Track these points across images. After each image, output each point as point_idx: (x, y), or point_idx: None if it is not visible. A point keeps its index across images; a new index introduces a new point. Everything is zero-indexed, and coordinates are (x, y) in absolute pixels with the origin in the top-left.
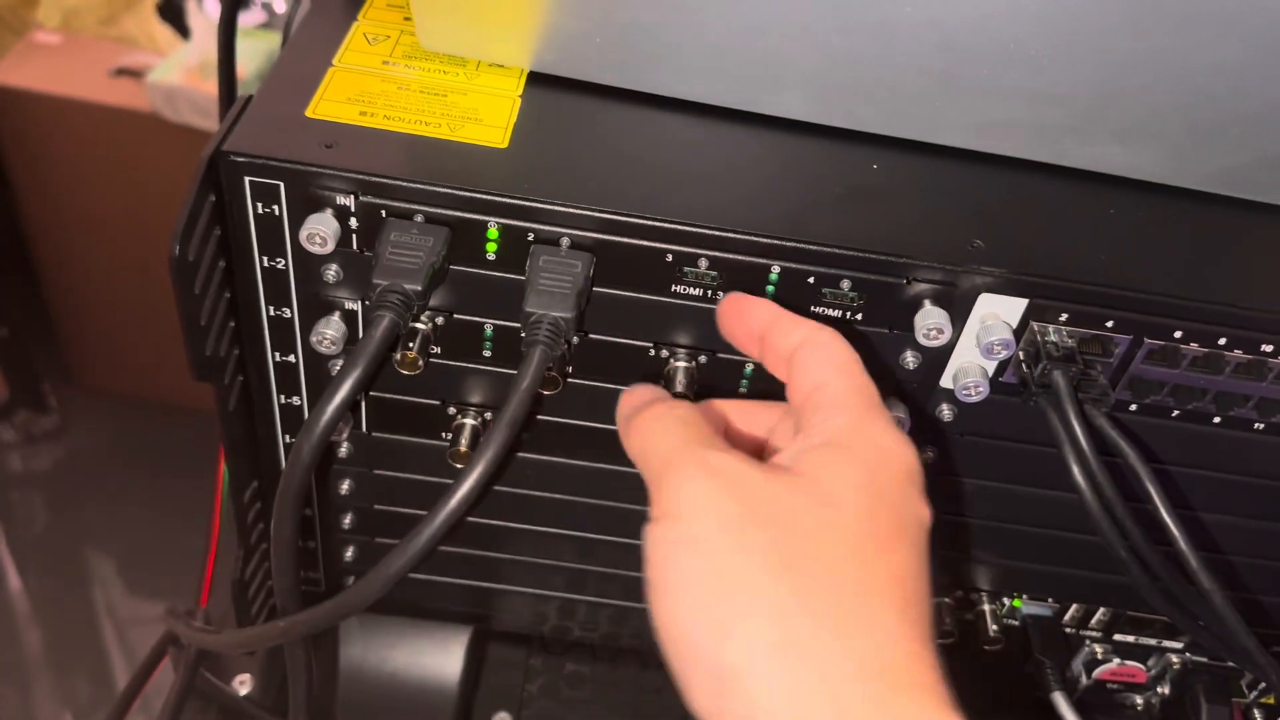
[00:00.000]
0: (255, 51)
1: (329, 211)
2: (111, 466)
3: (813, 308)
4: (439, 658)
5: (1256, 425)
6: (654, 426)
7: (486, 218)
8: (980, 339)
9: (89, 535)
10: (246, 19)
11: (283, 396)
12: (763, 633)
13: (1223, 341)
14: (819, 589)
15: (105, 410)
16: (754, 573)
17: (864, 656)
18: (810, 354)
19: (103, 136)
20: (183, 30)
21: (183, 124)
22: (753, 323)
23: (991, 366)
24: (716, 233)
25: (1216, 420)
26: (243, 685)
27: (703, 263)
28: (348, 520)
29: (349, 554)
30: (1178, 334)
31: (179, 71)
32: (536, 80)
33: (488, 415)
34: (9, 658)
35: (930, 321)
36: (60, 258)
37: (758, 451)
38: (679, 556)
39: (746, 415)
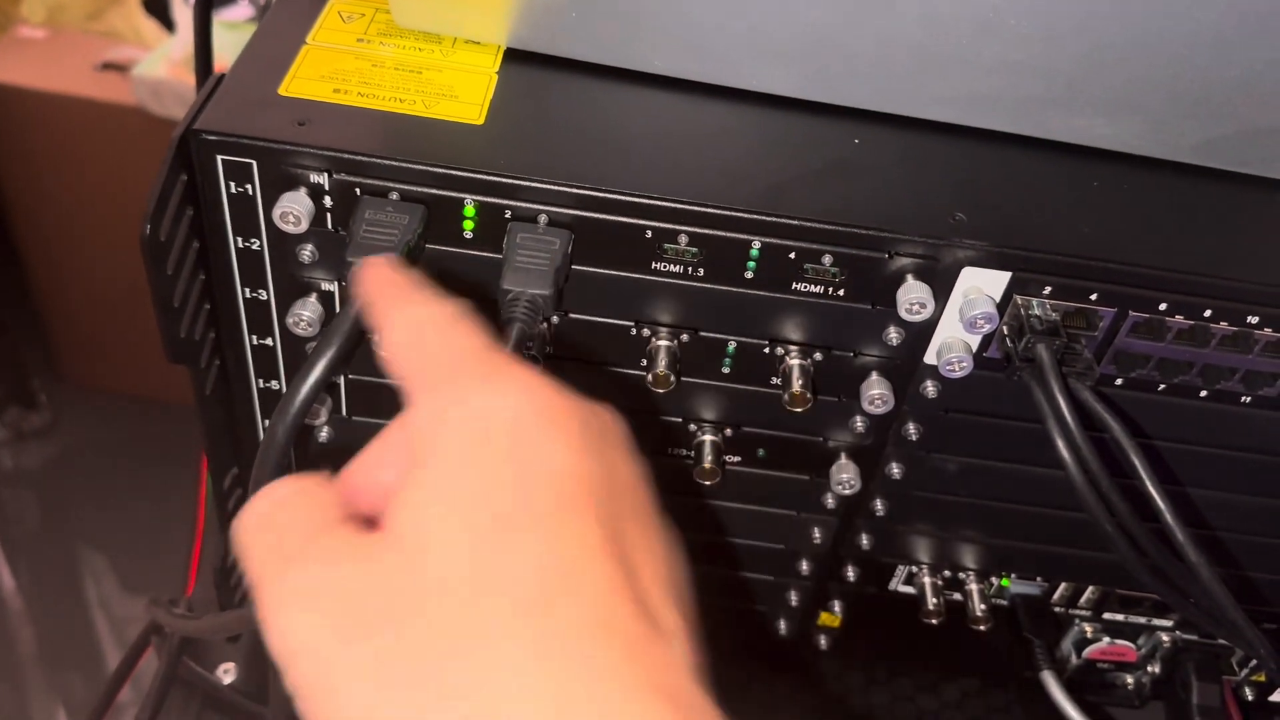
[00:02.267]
0: (241, 45)
1: (303, 190)
2: (102, 462)
3: (794, 283)
4: None
5: (1243, 398)
6: (242, 544)
7: (463, 195)
8: (963, 313)
9: (81, 531)
10: (234, 13)
11: (260, 380)
12: None
13: (1208, 313)
14: (437, 681)
15: (95, 406)
16: (369, 699)
17: None
18: (387, 338)
19: (88, 131)
20: (168, 24)
21: (168, 117)
22: (360, 293)
23: (975, 341)
24: (696, 208)
25: (1203, 394)
26: (226, 674)
27: (683, 239)
28: None
29: None
30: (1162, 306)
31: (164, 65)
32: (513, 57)
33: None
34: (1, 654)
35: (913, 296)
36: (47, 253)
37: None
38: (310, 712)
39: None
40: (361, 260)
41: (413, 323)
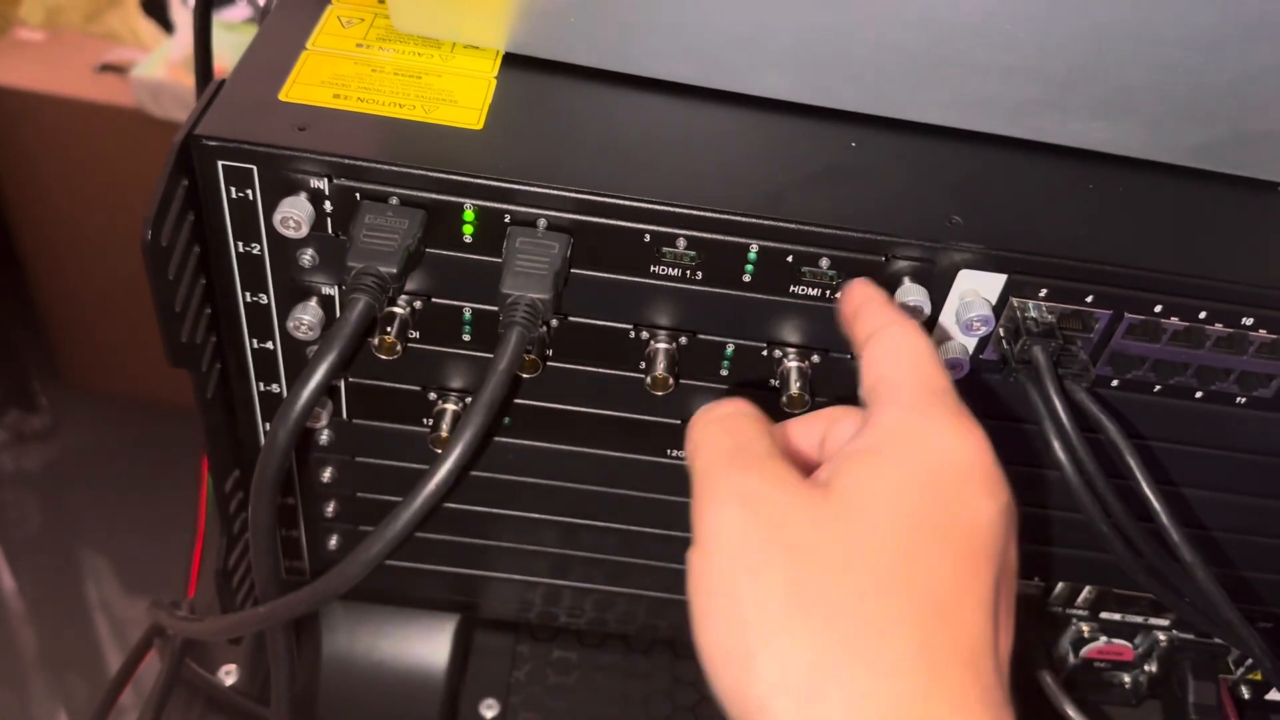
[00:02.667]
0: (240, 46)
1: (303, 195)
2: (103, 465)
3: (792, 287)
4: (425, 646)
5: (1238, 399)
6: (701, 433)
7: (462, 199)
8: (960, 315)
9: (82, 534)
10: (233, 14)
11: (261, 384)
12: (778, 671)
13: (1203, 315)
14: (836, 621)
15: (96, 409)
16: (772, 605)
17: (879, 698)
18: (876, 345)
19: (88, 133)
20: (166, 25)
21: (167, 119)
22: (846, 304)
23: (971, 343)
24: (694, 212)
25: (1198, 395)
26: (228, 675)
27: (681, 242)
28: (331, 509)
29: (333, 543)
30: (1158, 308)
31: (163, 67)
32: (512, 61)
33: (469, 400)
34: (3, 657)
35: (909, 299)
36: (47, 256)
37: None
38: (707, 587)
39: (843, 423)
40: (851, 281)
41: (902, 341)
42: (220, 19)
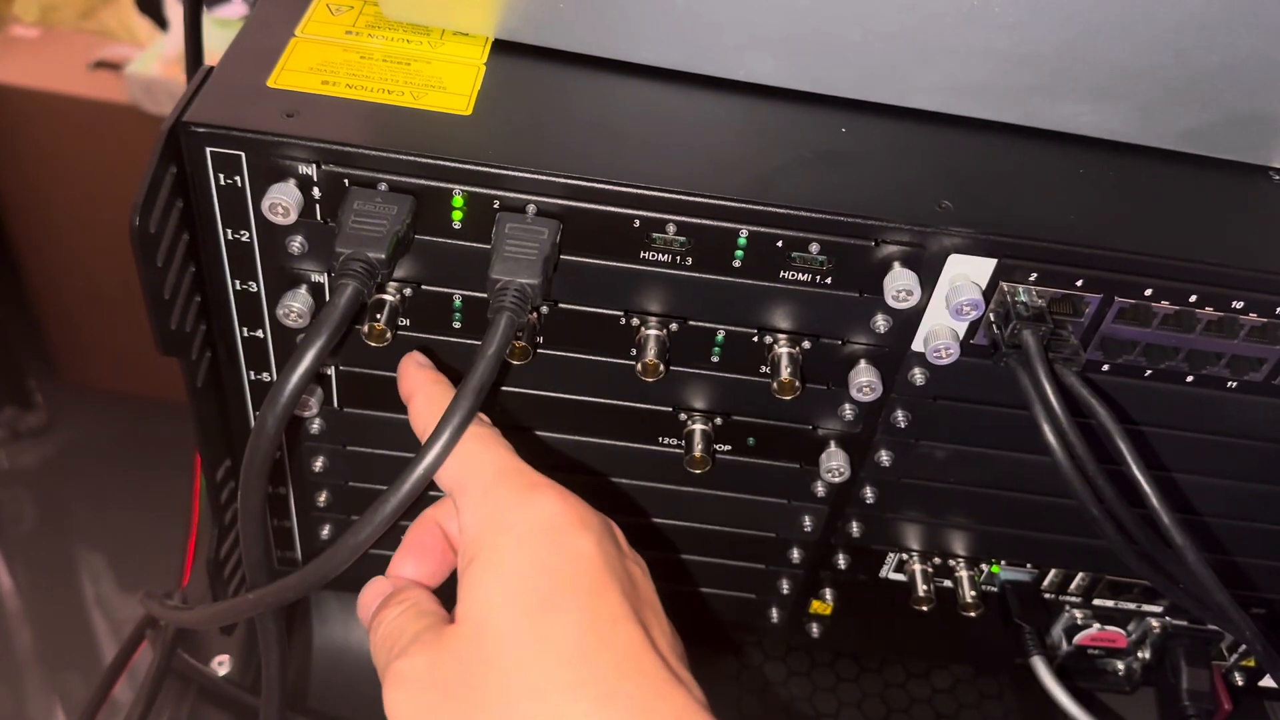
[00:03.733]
0: None
1: (291, 181)
2: (99, 462)
3: (782, 272)
4: None
5: (1229, 383)
6: (372, 651)
7: (451, 185)
8: (950, 300)
9: (77, 531)
10: (227, 10)
11: (252, 372)
12: None
13: (1193, 299)
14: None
15: (91, 406)
16: None
17: None
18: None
19: (82, 129)
20: (161, 22)
21: (162, 115)
22: (401, 388)
23: (962, 328)
24: (684, 197)
25: (1189, 379)
26: (221, 666)
27: (671, 228)
28: (322, 498)
29: (325, 532)
30: (1148, 292)
31: (157, 63)
32: (501, 48)
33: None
34: None
35: (899, 284)
36: (42, 252)
37: None
38: None
39: (452, 513)
40: (402, 359)
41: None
42: (214, 16)
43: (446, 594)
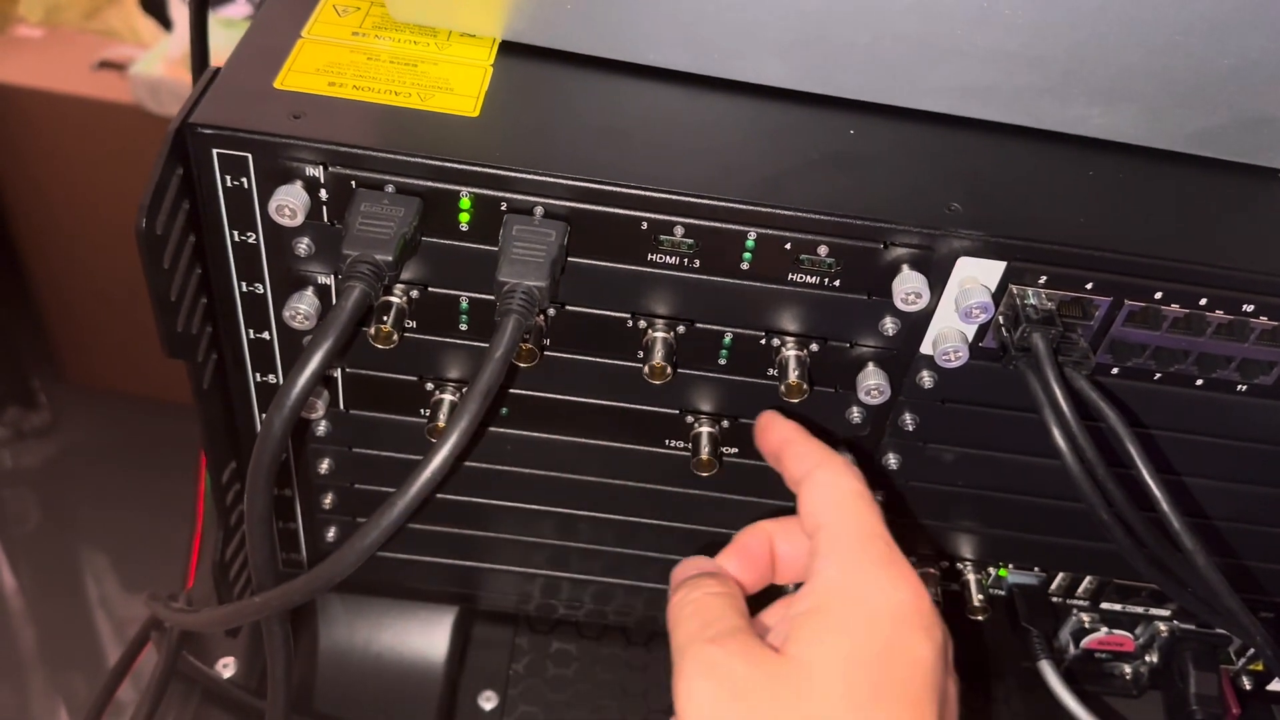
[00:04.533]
0: None
1: (298, 183)
2: (102, 462)
3: (790, 275)
4: (424, 638)
5: (1239, 387)
6: (676, 614)
7: (458, 187)
8: (959, 303)
9: (81, 531)
10: (233, 10)
11: (258, 374)
12: None
13: (1204, 302)
14: None
15: (95, 406)
16: None
17: None
18: (809, 490)
19: (87, 130)
20: (165, 22)
21: (166, 116)
22: (768, 443)
23: (971, 331)
24: (692, 199)
25: (1199, 383)
26: (226, 668)
27: (679, 230)
28: (329, 500)
29: (331, 535)
30: (1158, 295)
31: (162, 63)
32: (509, 49)
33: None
34: (2, 654)
35: (908, 286)
36: (47, 253)
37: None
38: None
39: (791, 536)
40: (765, 415)
41: (833, 486)
42: (220, 16)
43: None
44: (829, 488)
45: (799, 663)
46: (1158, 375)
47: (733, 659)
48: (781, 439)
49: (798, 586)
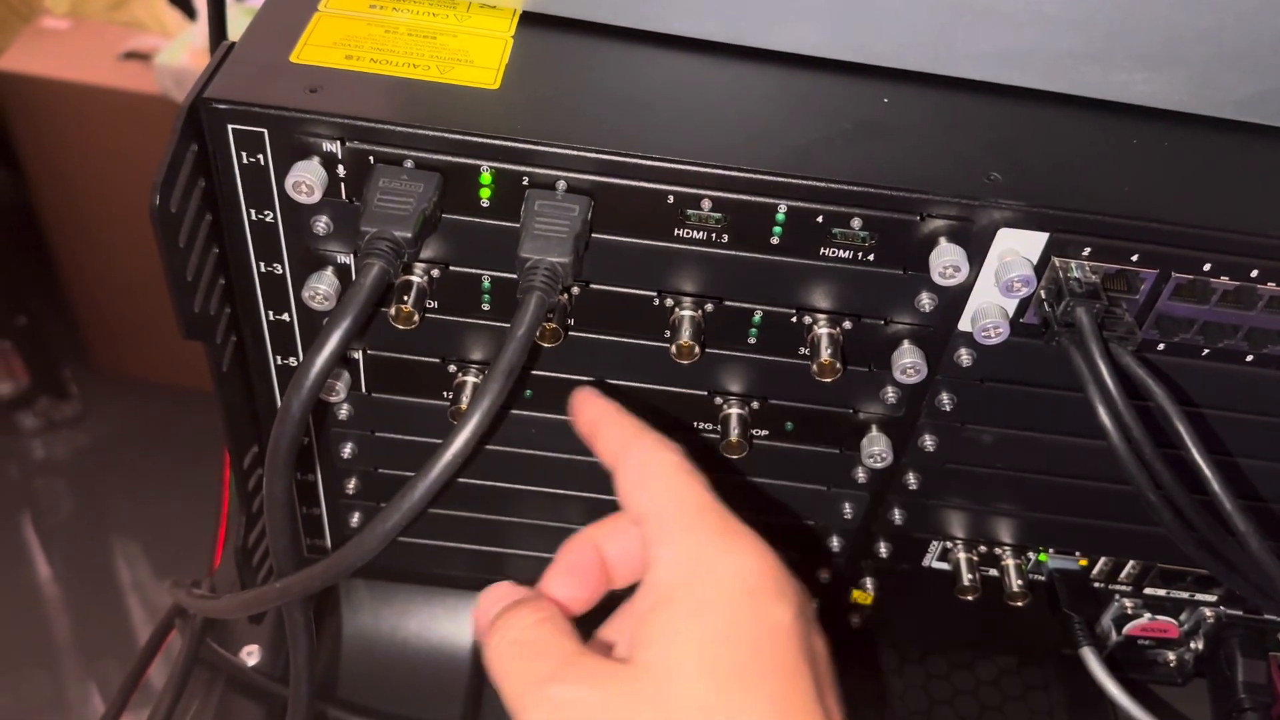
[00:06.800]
0: None
1: (315, 159)
2: (133, 451)
3: (822, 249)
4: (451, 625)
5: None
6: (497, 661)
7: (479, 161)
8: (999, 276)
9: (112, 519)
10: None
11: (278, 357)
12: None
13: (1255, 274)
14: None
15: (125, 395)
16: None
17: None
18: (624, 474)
19: (112, 120)
20: (189, 12)
21: None
22: (580, 424)
23: (1011, 306)
24: (720, 171)
25: (1249, 359)
26: (250, 656)
27: (706, 204)
28: (351, 485)
29: (355, 520)
30: (1206, 267)
31: (187, 53)
32: (529, 20)
33: None
34: (37, 640)
35: (946, 259)
36: (75, 243)
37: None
38: None
39: (618, 535)
40: (579, 392)
41: (648, 464)
42: (246, 5)
43: None
44: (644, 466)
45: (651, 668)
46: (1206, 351)
47: (579, 690)
48: (592, 419)
49: (634, 588)
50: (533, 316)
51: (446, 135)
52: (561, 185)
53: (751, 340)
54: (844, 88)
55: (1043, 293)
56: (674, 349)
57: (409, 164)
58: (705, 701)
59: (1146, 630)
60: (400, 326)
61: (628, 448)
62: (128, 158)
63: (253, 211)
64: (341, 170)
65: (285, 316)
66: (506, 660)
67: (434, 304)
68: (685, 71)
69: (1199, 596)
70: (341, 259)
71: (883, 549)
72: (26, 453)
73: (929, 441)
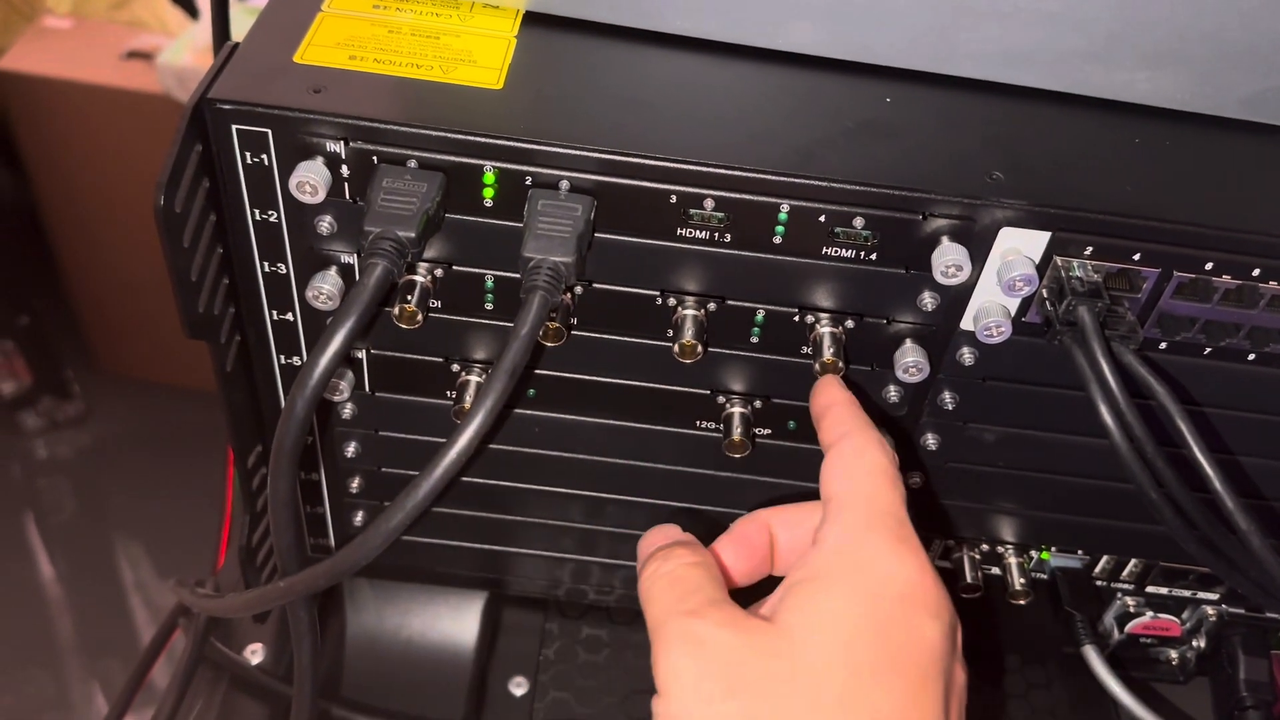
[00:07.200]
0: None
1: (319, 159)
2: (137, 450)
3: (825, 248)
4: (454, 624)
5: None
6: (650, 588)
7: (482, 161)
8: (1001, 275)
9: (116, 519)
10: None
11: (282, 356)
12: None
13: (1256, 273)
14: None
15: (129, 395)
16: None
17: None
18: (834, 456)
19: (115, 120)
20: (192, 11)
21: None
22: (816, 405)
23: (1014, 305)
24: (722, 171)
25: (1251, 357)
26: (254, 655)
27: (709, 203)
28: (356, 485)
29: (358, 519)
30: (1208, 266)
31: (189, 52)
32: (533, 20)
33: None
34: (40, 640)
35: (948, 259)
36: (78, 243)
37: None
38: None
39: (792, 525)
40: (824, 378)
41: (858, 456)
42: (249, 5)
43: None
44: (854, 456)
45: (793, 631)
46: (1208, 350)
47: (717, 631)
48: (826, 403)
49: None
50: (536, 316)
51: (450, 135)
52: (565, 185)
53: (754, 339)
54: (846, 87)
55: (1045, 292)
56: (677, 348)
57: (412, 164)
58: (838, 679)
59: (1148, 628)
60: (404, 326)
61: (850, 435)
62: (130, 157)
63: (257, 211)
64: (345, 170)
65: (289, 316)
66: (656, 590)
67: (437, 303)
68: (688, 71)
69: (1201, 595)
70: (345, 259)
71: None
72: (29, 452)
73: (931, 440)
